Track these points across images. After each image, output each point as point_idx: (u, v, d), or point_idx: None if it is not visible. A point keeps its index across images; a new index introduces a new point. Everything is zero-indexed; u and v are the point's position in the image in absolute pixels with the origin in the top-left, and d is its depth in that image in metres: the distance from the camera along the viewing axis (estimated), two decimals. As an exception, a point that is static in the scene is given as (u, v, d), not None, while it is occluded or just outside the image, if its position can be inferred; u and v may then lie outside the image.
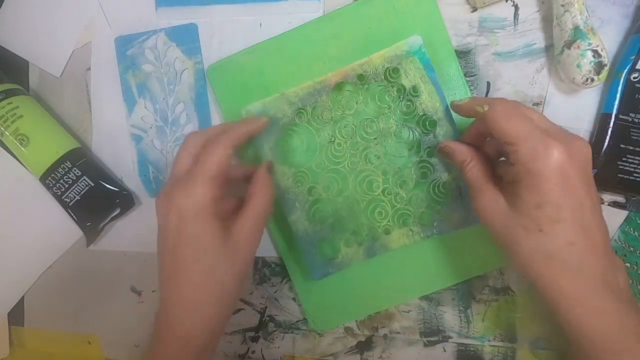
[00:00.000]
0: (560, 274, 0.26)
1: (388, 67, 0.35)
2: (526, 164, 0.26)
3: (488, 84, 0.38)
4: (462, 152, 0.32)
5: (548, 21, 0.36)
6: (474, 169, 0.31)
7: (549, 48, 0.37)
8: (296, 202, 0.36)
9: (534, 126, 0.27)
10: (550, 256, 0.26)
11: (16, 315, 0.44)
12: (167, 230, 0.30)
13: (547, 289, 0.26)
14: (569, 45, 0.33)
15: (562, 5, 0.33)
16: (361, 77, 0.35)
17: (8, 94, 0.39)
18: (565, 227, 0.25)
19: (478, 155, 0.31)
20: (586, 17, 0.33)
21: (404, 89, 0.35)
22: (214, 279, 0.29)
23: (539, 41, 0.37)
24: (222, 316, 0.31)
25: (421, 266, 0.38)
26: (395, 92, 0.35)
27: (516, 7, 0.37)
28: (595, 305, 0.26)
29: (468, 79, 0.37)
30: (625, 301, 0.26)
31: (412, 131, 0.35)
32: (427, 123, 0.35)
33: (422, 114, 0.35)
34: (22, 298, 0.44)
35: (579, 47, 0.33)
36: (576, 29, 0.33)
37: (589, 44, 0.32)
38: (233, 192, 0.34)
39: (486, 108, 0.28)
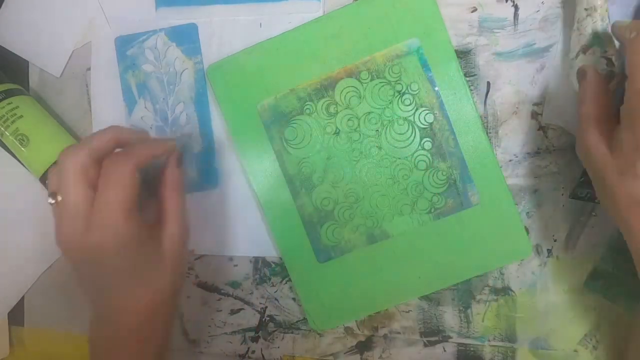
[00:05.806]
0: None
1: (389, 65, 0.37)
2: (629, 100, 0.26)
3: (488, 84, 0.38)
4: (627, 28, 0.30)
5: (548, 21, 0.36)
6: (591, 106, 0.29)
7: (549, 48, 0.37)
8: (302, 187, 0.38)
9: None
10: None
11: (16, 315, 0.44)
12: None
13: (631, 236, 0.27)
14: (584, 50, 0.33)
15: (586, 9, 0.33)
16: (365, 74, 0.37)
17: (8, 94, 0.39)
18: None
19: (601, 95, 0.30)
20: (607, 24, 0.32)
21: (404, 85, 0.37)
22: None
23: (539, 41, 0.37)
24: None
25: (419, 255, 0.38)
26: (396, 89, 0.37)
27: (516, 7, 0.37)
28: None
29: (468, 79, 0.37)
30: None
31: (411, 124, 0.37)
32: (424, 117, 0.37)
33: (419, 109, 0.37)
34: (22, 298, 0.44)
35: (594, 53, 0.32)
36: (595, 34, 0.32)
37: (605, 52, 0.32)
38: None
39: (633, 35, 0.27)
